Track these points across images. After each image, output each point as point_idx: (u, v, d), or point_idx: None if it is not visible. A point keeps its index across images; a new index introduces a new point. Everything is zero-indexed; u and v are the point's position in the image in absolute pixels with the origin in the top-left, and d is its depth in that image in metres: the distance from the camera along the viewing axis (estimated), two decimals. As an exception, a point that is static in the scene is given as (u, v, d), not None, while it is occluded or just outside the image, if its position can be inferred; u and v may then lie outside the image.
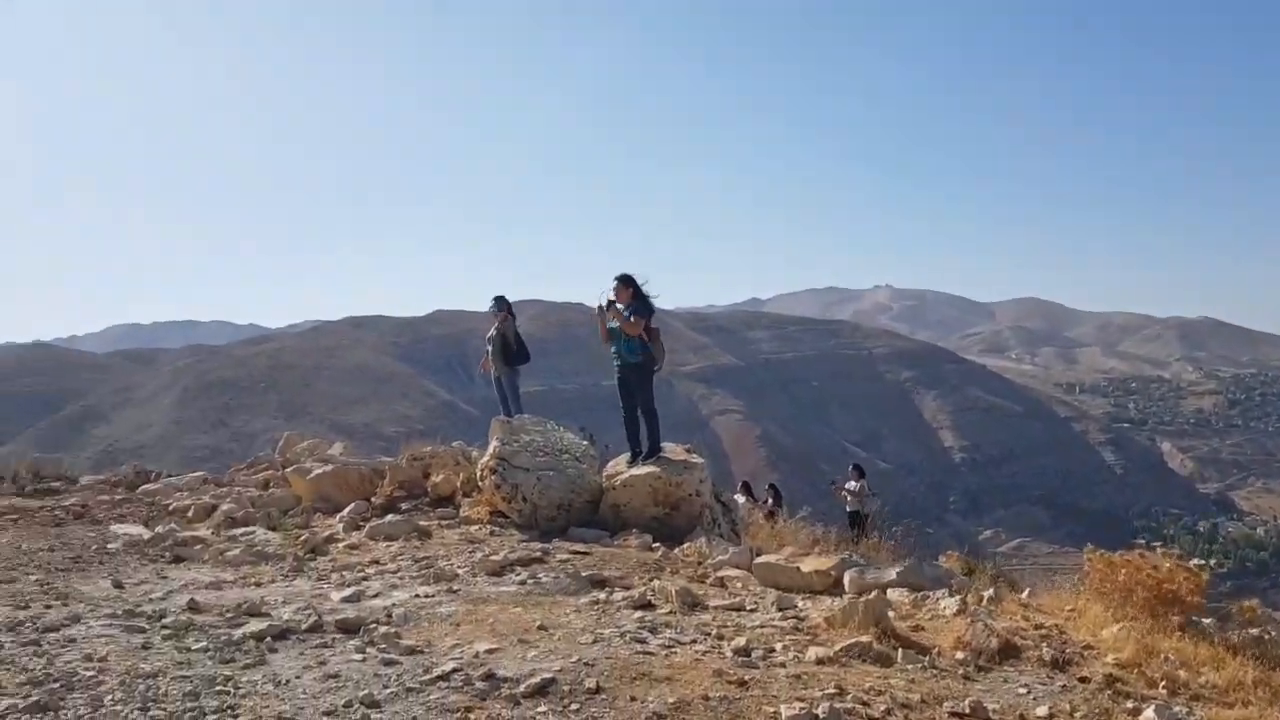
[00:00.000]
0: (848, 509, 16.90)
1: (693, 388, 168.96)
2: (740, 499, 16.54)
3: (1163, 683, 5.30)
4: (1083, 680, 5.28)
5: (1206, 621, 6.79)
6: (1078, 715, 4.76)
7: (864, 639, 5.51)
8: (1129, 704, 4.94)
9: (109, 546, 8.84)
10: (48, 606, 6.29)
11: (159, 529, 9.67)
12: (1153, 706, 4.77)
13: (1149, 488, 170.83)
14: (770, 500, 18.14)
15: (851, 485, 17.23)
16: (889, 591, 6.88)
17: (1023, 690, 5.07)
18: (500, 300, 12.08)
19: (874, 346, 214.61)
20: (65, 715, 4.17)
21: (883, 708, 4.61)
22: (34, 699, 4.29)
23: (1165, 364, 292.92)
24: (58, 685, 4.54)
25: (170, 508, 11.26)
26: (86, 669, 4.83)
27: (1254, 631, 6.57)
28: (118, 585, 7.10)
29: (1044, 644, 5.77)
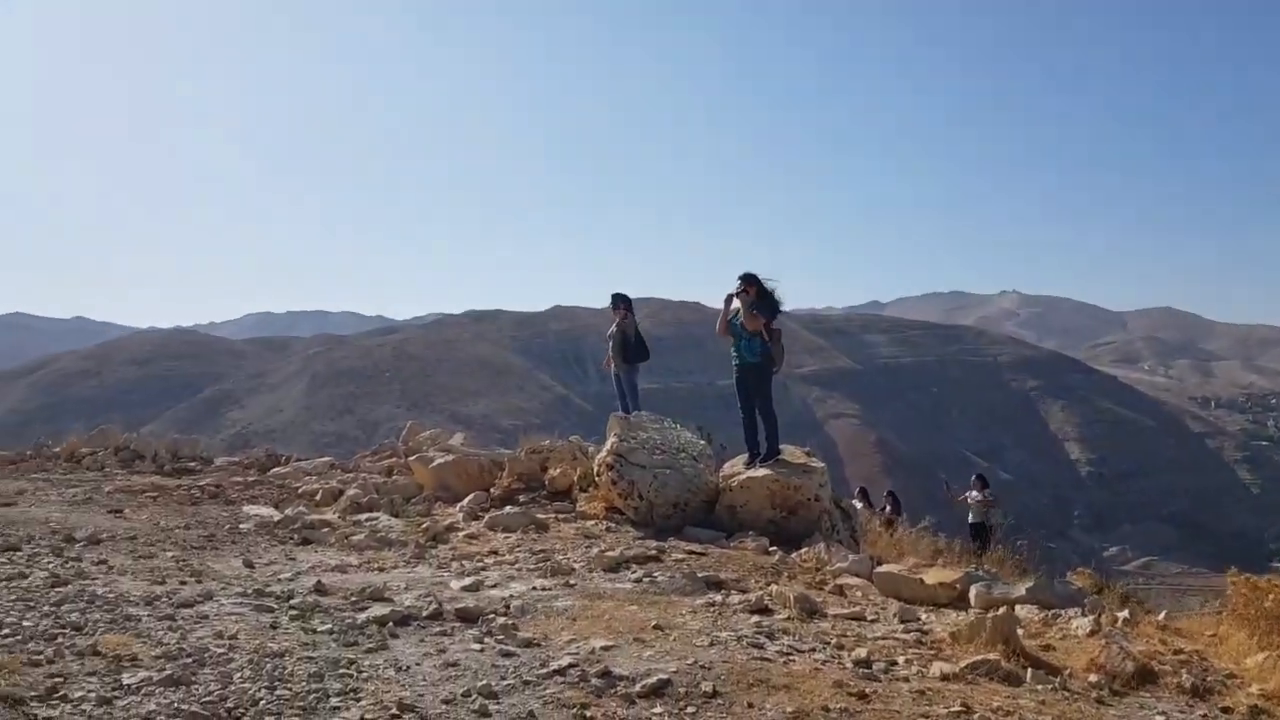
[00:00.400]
0: (970, 520, 16.45)
1: (808, 390, 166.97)
2: (857, 505, 16.26)
3: (1318, 718, 4.97)
4: (1225, 710, 5.00)
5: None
6: (1227, 748, 4.50)
7: (991, 656, 5.31)
8: (1278, 738, 4.66)
9: (241, 526, 9.16)
10: (182, 583, 6.53)
11: (288, 511, 9.98)
12: (1306, 743, 4.48)
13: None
14: (889, 508, 17.78)
15: (974, 495, 16.76)
16: (1017, 608, 6.63)
17: (1160, 718, 4.81)
18: (620, 297, 12.10)
19: (998, 353, 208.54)
20: (196, 690, 4.29)
21: (1013, 729, 4.43)
22: (168, 673, 4.43)
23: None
24: (190, 660, 4.69)
25: (299, 491, 11.62)
26: (217, 645, 4.98)
27: None
28: (248, 565, 7.33)
29: (1183, 670, 5.47)
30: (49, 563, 6.89)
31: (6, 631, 4.99)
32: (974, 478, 17.57)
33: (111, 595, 5.98)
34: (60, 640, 4.90)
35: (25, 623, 5.18)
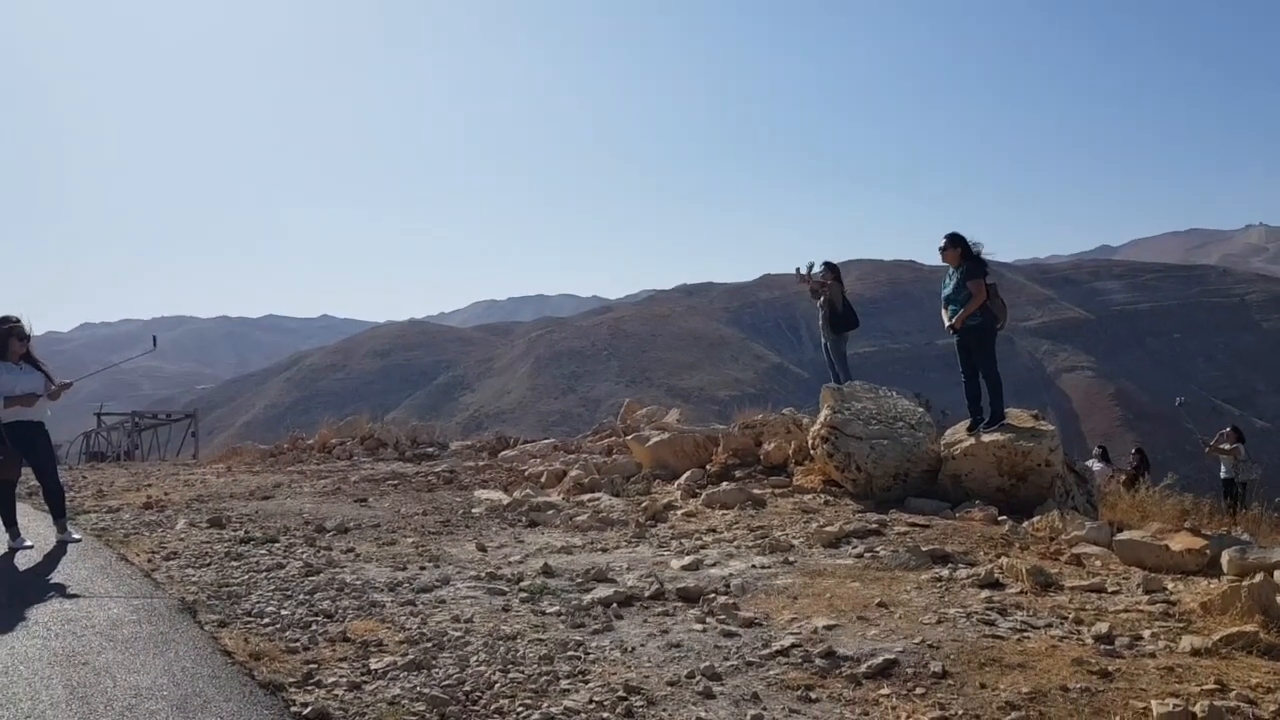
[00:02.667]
0: (1222, 475, 15.29)
1: (1036, 344, 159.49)
2: (1096, 465, 15.41)
3: None
4: None
5: None
6: None
7: (1248, 628, 4.91)
8: None
9: (473, 511, 9.61)
10: (422, 568, 6.91)
11: (516, 494, 10.39)
12: None
13: None
14: (1136, 465, 16.74)
15: (1225, 448, 15.57)
16: (1277, 574, 6.11)
17: None
18: (827, 265, 11.90)
19: (1246, 292, 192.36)
20: (436, 674, 4.53)
21: (1274, 708, 4.08)
22: (410, 657, 4.70)
23: None
24: (430, 644, 4.96)
25: (526, 474, 12.08)
26: (455, 629, 5.24)
27: None
28: (481, 548, 7.68)
29: None
30: (303, 553, 7.44)
31: (267, 620, 5.43)
32: (1228, 429, 16.28)
33: (358, 582, 6.40)
34: (314, 627, 5.30)
35: (283, 611, 5.62)
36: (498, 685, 4.37)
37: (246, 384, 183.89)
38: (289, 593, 6.09)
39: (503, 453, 14.44)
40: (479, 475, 12.36)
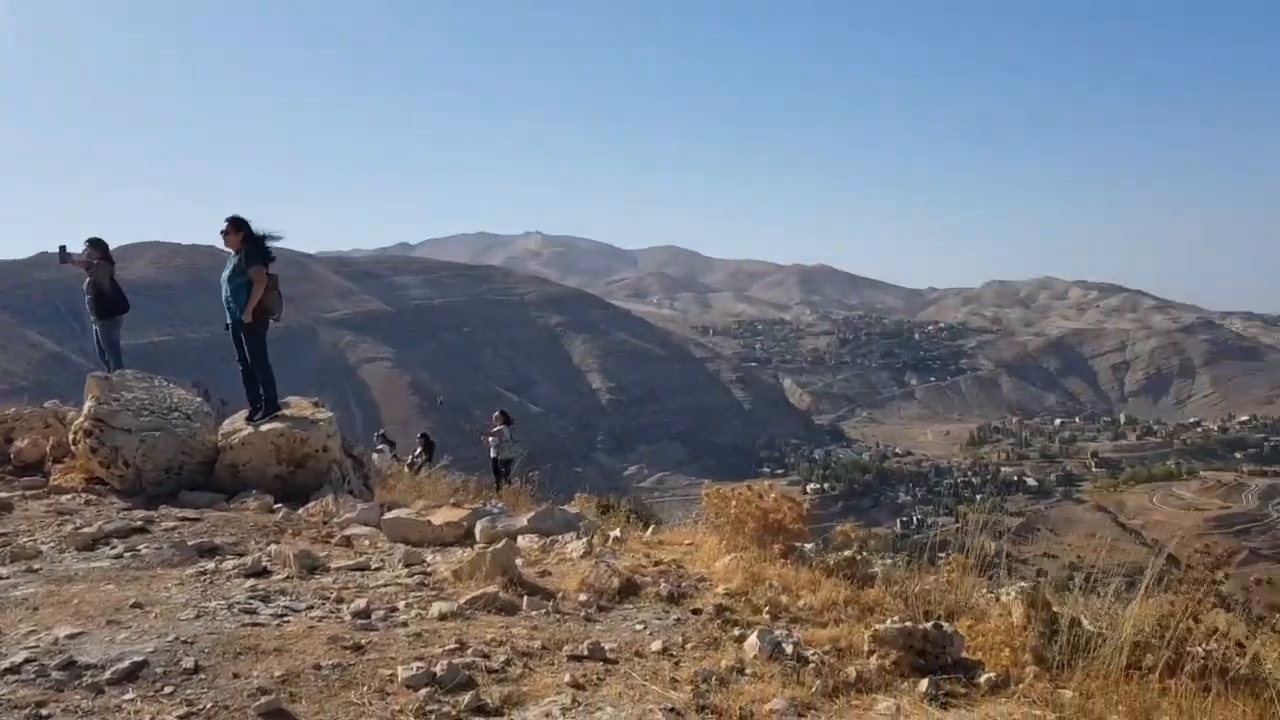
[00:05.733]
0: (491, 455, 16.94)
1: (339, 335, 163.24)
2: (381, 451, 16.16)
3: (766, 609, 5.63)
4: (695, 612, 5.52)
5: (808, 547, 7.33)
6: (689, 646, 4.95)
7: (490, 589, 5.45)
8: (736, 631, 5.20)
9: None
10: None
11: None
12: (755, 632, 5.04)
13: (773, 421, 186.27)
14: (420, 450, 17.87)
15: (493, 430, 17.26)
16: (520, 539, 6.88)
17: (640, 627, 5.21)
18: (93, 243, 10.85)
19: (525, 292, 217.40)
20: None
21: (503, 659, 4.55)
22: None
23: (787, 307, 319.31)
24: None
25: None
26: None
27: (847, 553, 7.16)
28: None
29: (662, 580, 5.97)
30: None
31: None
32: (496, 414, 18.07)
33: None
34: None
35: None
36: None
37: None
38: None
39: None
40: None
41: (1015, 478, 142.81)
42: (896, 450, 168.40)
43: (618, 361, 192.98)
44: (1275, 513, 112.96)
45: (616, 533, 7.18)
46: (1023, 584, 5.64)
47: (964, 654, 4.89)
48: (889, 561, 7.17)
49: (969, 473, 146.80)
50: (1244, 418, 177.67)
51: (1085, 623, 5.04)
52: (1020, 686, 4.55)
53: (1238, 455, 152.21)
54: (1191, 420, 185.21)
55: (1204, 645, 4.87)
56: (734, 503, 7.07)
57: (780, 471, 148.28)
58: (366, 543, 7.04)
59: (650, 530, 8.03)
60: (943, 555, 6.64)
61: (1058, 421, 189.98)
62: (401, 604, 5.37)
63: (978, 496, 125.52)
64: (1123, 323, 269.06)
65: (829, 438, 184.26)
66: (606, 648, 4.75)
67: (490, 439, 17.06)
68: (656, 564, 6.41)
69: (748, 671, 4.61)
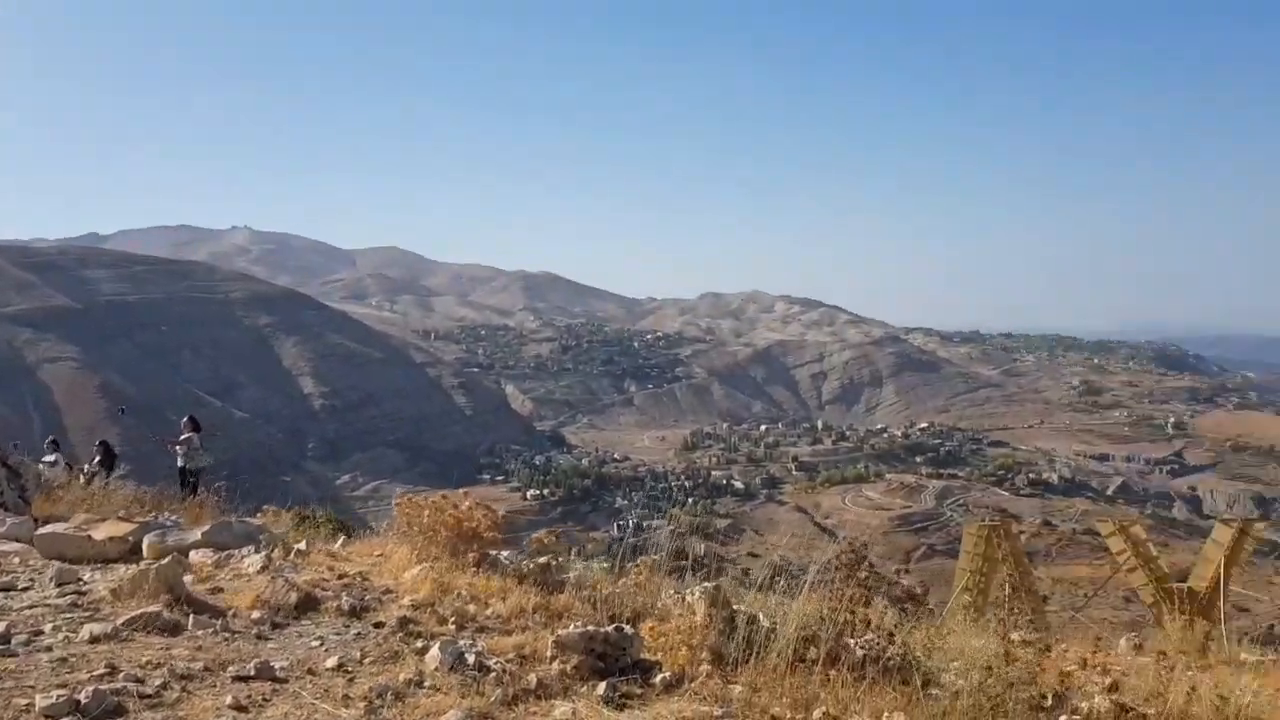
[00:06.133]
0: (179, 464, 15.84)
1: (16, 332, 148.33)
2: (49, 459, 14.81)
3: (453, 619, 5.61)
4: (377, 625, 5.42)
5: (504, 555, 7.36)
6: (367, 661, 4.85)
7: (153, 608, 5.13)
8: (419, 643, 5.15)
9: None
10: None
11: None
12: (438, 643, 5.01)
13: (495, 427, 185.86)
14: (98, 459, 16.46)
15: (184, 438, 16.15)
16: (193, 554, 6.51)
17: (316, 643, 5.06)
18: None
19: (231, 290, 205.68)
20: None
21: (159, 682, 4.30)
22: None
23: (511, 313, 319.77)
24: None
25: None
26: None
27: (541, 560, 7.25)
28: None
29: (345, 593, 5.83)
30: None
31: None
32: (185, 420, 16.88)
33: None
34: None
35: None
36: None
37: None
38: None
39: None
40: None
41: (724, 481, 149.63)
42: (615, 456, 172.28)
43: (332, 365, 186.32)
44: (949, 511, 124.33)
45: (301, 545, 6.92)
46: (705, 584, 5.91)
47: (644, 655, 5.07)
48: (603, 565, 7.32)
49: (683, 477, 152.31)
50: (924, 424, 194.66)
51: (762, 619, 5.36)
52: (693, 684, 4.77)
53: (918, 459, 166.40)
54: (879, 426, 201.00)
55: (861, 637, 5.30)
56: (427, 511, 6.99)
57: (500, 478, 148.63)
58: (16, 560, 6.44)
59: (340, 542, 7.79)
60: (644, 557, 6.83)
61: (763, 427, 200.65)
62: (48, 626, 4.96)
63: (689, 500, 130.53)
64: (821, 335, 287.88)
65: (550, 444, 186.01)
66: (276, 666, 4.58)
67: (178, 447, 15.93)
68: (340, 577, 6.24)
69: (426, 684, 4.57)
